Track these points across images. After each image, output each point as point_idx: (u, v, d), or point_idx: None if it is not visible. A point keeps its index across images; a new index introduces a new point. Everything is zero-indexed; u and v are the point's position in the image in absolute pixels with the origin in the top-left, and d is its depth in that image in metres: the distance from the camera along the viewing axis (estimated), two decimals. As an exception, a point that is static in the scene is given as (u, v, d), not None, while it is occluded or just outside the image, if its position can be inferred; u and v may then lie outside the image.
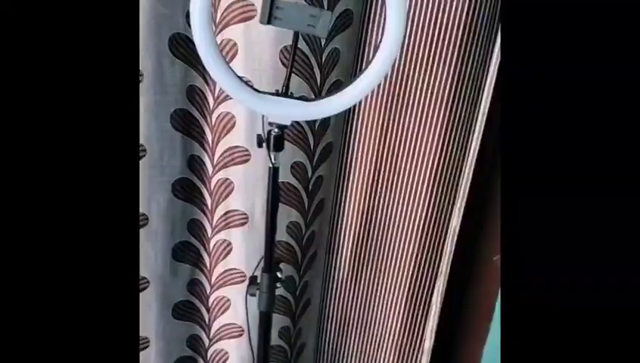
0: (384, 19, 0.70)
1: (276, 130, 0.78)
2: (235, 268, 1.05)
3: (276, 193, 0.84)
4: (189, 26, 0.84)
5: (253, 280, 0.90)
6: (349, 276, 1.19)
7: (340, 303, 1.23)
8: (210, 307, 1.10)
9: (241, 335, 1.10)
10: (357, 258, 1.17)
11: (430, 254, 1.13)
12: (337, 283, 1.20)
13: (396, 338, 1.22)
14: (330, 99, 0.76)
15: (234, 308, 1.09)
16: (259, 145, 0.79)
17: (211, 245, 1.04)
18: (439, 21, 0.92)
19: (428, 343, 1.23)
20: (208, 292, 1.09)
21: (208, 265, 1.07)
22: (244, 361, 1.11)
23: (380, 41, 0.71)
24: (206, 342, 1.13)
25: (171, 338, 1.07)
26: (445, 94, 0.96)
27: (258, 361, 0.96)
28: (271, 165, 0.81)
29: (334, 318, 1.25)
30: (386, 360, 1.26)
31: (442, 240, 1.13)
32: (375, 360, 1.28)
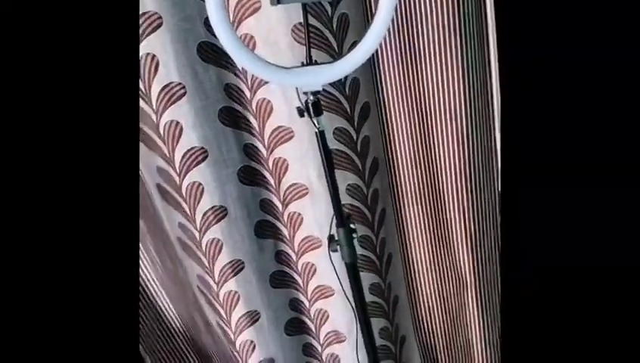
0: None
1: (312, 97, 0.86)
2: (311, 235, 1.16)
3: (329, 154, 0.93)
4: (209, 32, 0.95)
5: (331, 238, 1.00)
6: (418, 229, 1.26)
7: (417, 255, 1.30)
8: (300, 272, 1.22)
9: (333, 294, 1.21)
10: (420, 210, 1.23)
11: (483, 194, 1.18)
12: (410, 237, 1.28)
13: (475, 280, 1.28)
14: (349, 55, 0.83)
15: (320, 271, 1.20)
16: (301, 115, 0.88)
17: (285, 218, 1.16)
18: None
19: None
20: (295, 259, 1.21)
21: (288, 236, 1.18)
22: (345, 315, 1.23)
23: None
24: (306, 303, 1.26)
25: (276, 305, 1.21)
26: (452, 19, 1.01)
27: (357, 309, 1.06)
28: (316, 130, 0.90)
29: (416, 270, 1.33)
30: (472, 303, 1.32)
31: (491, 179, 1.18)
32: (462, 304, 1.35)
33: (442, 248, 1.29)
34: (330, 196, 0.94)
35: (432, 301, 1.38)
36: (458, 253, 1.27)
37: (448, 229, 1.25)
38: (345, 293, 1.08)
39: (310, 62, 0.85)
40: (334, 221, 0.97)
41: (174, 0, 0.91)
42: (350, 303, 1.06)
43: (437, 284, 1.35)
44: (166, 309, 1.30)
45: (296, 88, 0.89)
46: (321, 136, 0.91)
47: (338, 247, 0.99)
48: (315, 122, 0.88)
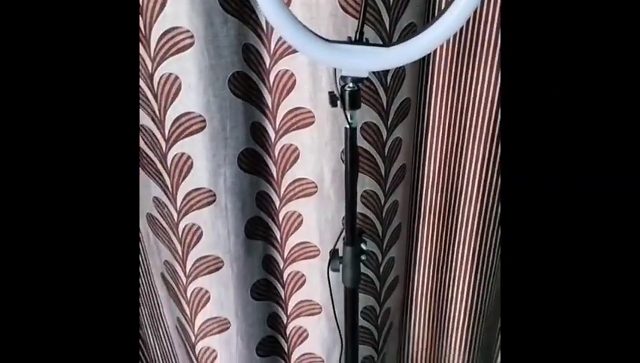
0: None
1: (351, 85, 0.68)
2: (307, 242, 0.98)
3: (355, 157, 0.75)
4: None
5: (334, 253, 0.83)
6: (427, 253, 1.11)
7: (420, 283, 1.15)
8: (285, 283, 1.04)
9: (320, 312, 1.04)
10: (432, 232, 1.08)
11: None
12: (418, 260, 1.12)
13: (465, 319, 1.15)
14: (412, 41, 0.64)
15: (309, 284, 1.02)
16: (334, 104, 0.70)
17: (280, 218, 0.97)
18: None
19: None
20: (282, 266, 1.02)
21: (279, 238, 1.00)
22: (325, 341, 1.05)
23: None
24: (284, 319, 1.08)
25: (253, 320, 1.02)
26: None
27: (346, 341, 0.90)
28: (347, 126, 0.72)
29: (415, 299, 1.18)
30: (457, 344, 1.19)
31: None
32: (448, 345, 1.21)
33: (444, 280, 1.13)
34: (345, 204, 0.76)
35: (422, 334, 1.23)
36: (457, 288, 1.12)
37: (453, 259, 1.10)
38: (336, 320, 0.90)
39: (361, 40, 0.66)
40: (343, 235, 0.79)
41: None
42: (339, 330, 0.89)
43: (430, 318, 1.19)
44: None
45: (334, 69, 0.71)
46: (351, 133, 0.73)
47: (340, 267, 0.82)
48: (349, 116, 0.70)
